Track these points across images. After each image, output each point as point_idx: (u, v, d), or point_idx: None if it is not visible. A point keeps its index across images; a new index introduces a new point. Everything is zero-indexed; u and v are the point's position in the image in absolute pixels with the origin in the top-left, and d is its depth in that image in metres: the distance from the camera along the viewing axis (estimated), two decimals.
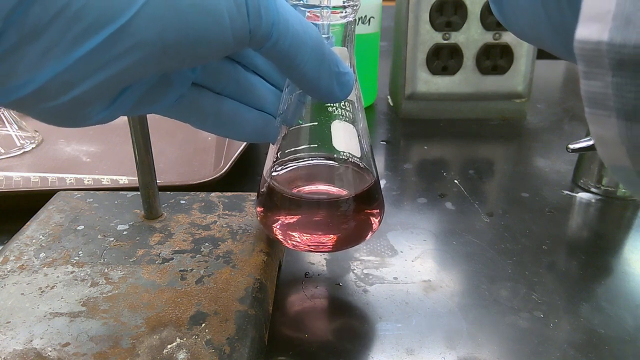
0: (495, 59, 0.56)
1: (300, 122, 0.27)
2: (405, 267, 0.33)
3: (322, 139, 0.27)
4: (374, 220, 0.28)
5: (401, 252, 0.35)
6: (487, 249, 0.35)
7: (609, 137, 0.13)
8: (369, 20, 0.56)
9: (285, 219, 0.27)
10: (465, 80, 0.57)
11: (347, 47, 0.25)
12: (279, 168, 0.28)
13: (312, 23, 0.23)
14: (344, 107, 0.27)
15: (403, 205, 0.41)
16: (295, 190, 0.28)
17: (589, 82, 0.12)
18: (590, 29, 0.12)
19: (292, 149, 0.28)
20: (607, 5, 0.11)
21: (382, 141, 0.54)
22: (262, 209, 0.28)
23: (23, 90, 0.15)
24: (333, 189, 0.28)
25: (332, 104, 0.26)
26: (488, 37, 0.56)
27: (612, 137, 0.13)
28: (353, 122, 0.27)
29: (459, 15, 0.55)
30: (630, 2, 0.11)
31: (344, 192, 0.27)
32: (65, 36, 0.15)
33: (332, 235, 0.27)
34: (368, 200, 0.28)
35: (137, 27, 0.15)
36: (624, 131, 0.12)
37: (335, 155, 0.28)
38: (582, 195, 0.43)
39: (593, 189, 0.43)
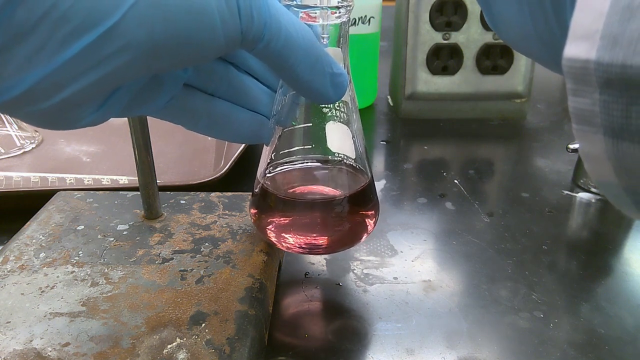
0: (495, 59, 0.56)
1: (294, 123, 0.27)
2: (405, 267, 0.33)
3: (316, 140, 0.27)
4: (369, 222, 0.28)
5: (401, 252, 0.35)
6: (487, 249, 0.35)
7: (596, 153, 0.13)
8: (369, 20, 0.56)
9: (279, 220, 0.27)
10: (465, 80, 0.57)
11: (341, 48, 0.25)
12: (273, 169, 0.28)
13: (306, 24, 0.22)
14: (338, 108, 0.26)
15: (403, 205, 0.41)
16: (289, 192, 0.28)
17: (576, 99, 0.13)
18: (579, 47, 0.12)
19: (286, 150, 0.28)
20: (595, 25, 0.12)
21: (382, 141, 0.54)
22: (255, 210, 0.28)
23: (10, 93, 0.15)
24: (327, 190, 0.28)
25: (326, 105, 0.26)
26: (488, 37, 0.56)
27: (599, 153, 0.13)
28: (347, 123, 0.27)
29: (459, 15, 0.55)
30: (617, 23, 0.11)
31: (338, 193, 0.27)
32: (53, 38, 0.15)
33: (325, 237, 0.27)
34: (362, 201, 0.28)
35: (125, 28, 0.15)
36: (610, 148, 0.13)
37: (329, 157, 0.28)
38: (582, 195, 0.43)
39: (593, 189, 0.43)
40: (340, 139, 0.27)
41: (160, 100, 0.22)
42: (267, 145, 0.27)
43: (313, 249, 0.27)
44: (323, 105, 0.26)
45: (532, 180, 0.46)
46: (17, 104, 0.16)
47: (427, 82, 0.57)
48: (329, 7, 0.23)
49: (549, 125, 0.59)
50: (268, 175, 0.28)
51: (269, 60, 0.20)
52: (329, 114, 0.26)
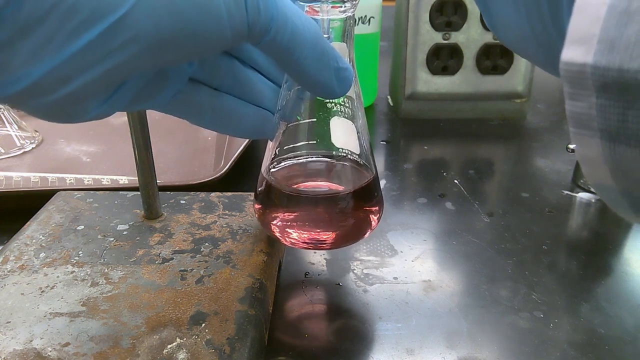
0: (495, 59, 0.56)
1: (299, 119, 0.27)
2: (405, 267, 0.33)
3: (320, 136, 0.27)
4: (373, 218, 0.28)
5: (401, 252, 0.35)
6: (487, 249, 0.35)
7: (593, 156, 0.13)
8: (369, 20, 0.56)
9: (284, 215, 0.27)
10: (465, 80, 0.57)
11: (346, 43, 0.25)
12: (277, 164, 0.28)
13: (311, 18, 0.22)
14: (343, 103, 0.26)
15: (403, 205, 0.41)
16: (293, 187, 0.28)
17: (573, 103, 0.13)
18: (576, 51, 0.12)
19: (291, 146, 0.28)
20: (592, 29, 0.12)
21: (382, 141, 0.54)
22: (260, 205, 0.28)
23: (18, 85, 0.15)
24: (332, 186, 0.28)
25: (331, 100, 0.26)
26: (488, 37, 0.56)
27: (596, 157, 0.13)
28: (352, 118, 0.27)
29: (459, 15, 0.55)
30: (614, 27, 0.11)
31: (342, 189, 0.27)
32: (60, 30, 0.15)
33: (330, 233, 0.27)
34: (367, 197, 0.28)
35: (133, 21, 0.15)
36: (607, 152, 0.13)
37: (334, 152, 0.28)
38: (582, 195, 0.43)
39: (593, 189, 0.43)
40: (344, 134, 0.27)
41: (165, 95, 0.22)
42: (271, 141, 0.27)
43: (317, 244, 0.27)
44: (328, 100, 0.26)
45: (532, 180, 0.46)
46: (24, 96, 0.16)
47: (427, 82, 0.57)
48: (334, 2, 0.23)
49: (549, 125, 0.59)
50: (272, 170, 0.28)
51: (275, 54, 0.20)
52: (334, 109, 0.26)
